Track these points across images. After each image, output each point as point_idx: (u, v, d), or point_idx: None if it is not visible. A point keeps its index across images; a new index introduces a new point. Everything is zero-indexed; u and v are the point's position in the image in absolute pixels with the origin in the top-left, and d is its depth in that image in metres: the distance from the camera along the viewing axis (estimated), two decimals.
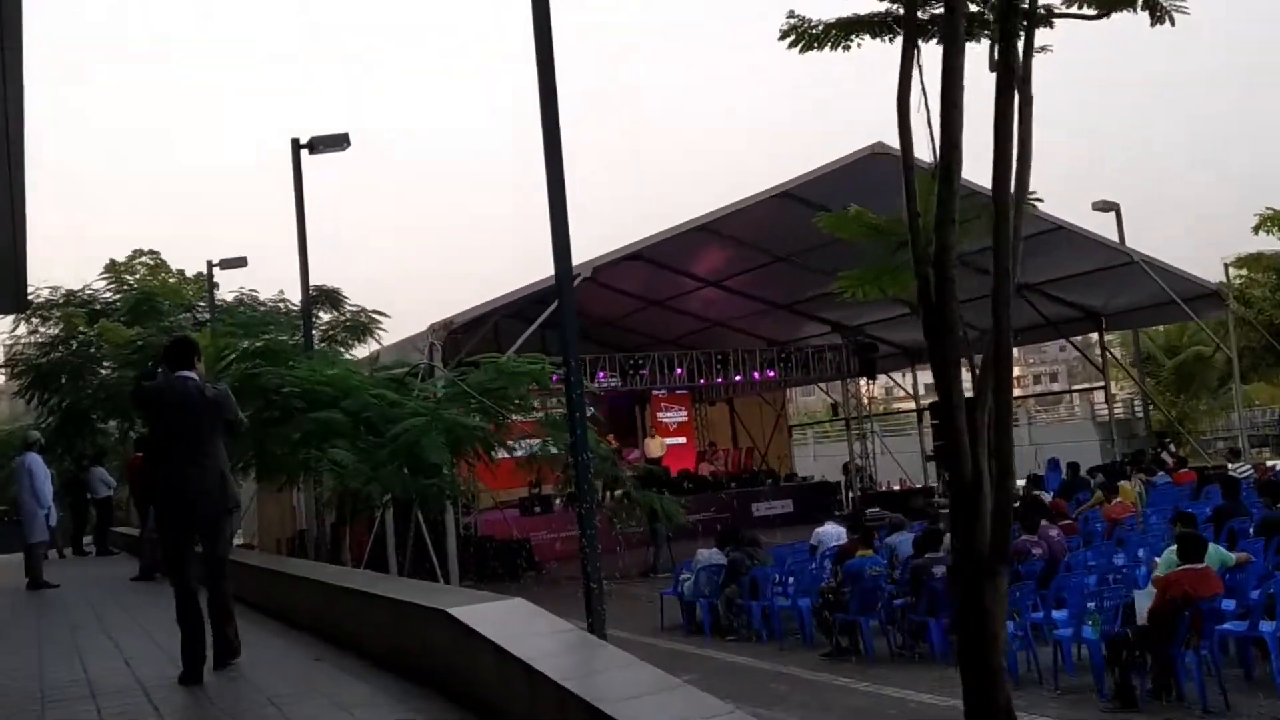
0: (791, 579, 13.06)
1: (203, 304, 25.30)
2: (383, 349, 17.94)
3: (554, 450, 10.89)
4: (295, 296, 27.82)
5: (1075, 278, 21.64)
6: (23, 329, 24.91)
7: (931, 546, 10.76)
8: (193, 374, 6.45)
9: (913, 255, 6.48)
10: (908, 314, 25.08)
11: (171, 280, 24.06)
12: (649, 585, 18.53)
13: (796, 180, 19.06)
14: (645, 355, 24.55)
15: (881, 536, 12.84)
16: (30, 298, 25.89)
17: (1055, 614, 9.96)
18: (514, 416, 10.63)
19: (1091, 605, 9.20)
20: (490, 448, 10.07)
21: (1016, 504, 16.11)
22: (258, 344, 11.52)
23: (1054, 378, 73.35)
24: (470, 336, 18.30)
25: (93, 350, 23.49)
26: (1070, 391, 41.66)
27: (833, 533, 13.87)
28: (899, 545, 12.36)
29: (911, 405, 28.92)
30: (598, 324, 26.16)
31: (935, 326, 6.69)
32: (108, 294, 25.14)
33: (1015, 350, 26.13)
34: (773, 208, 19.82)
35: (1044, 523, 11.86)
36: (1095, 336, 26.87)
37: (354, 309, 18.37)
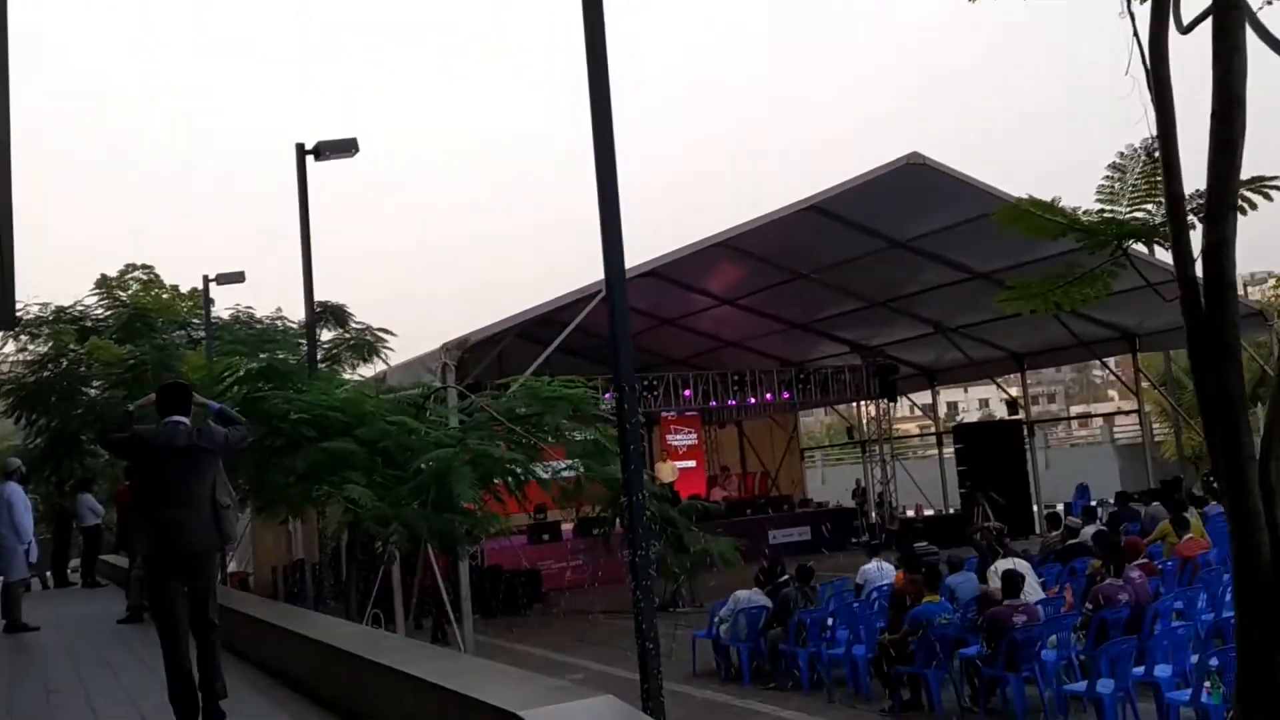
0: (832, 619, 11.87)
1: (197, 321, 24.09)
2: (390, 369, 16.72)
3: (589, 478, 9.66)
4: (294, 314, 26.70)
5: (1111, 297, 20.46)
6: (10, 347, 23.77)
7: (1012, 591, 9.56)
8: (184, 419, 6.42)
9: (1173, 253, 5.19)
10: (929, 334, 24.14)
11: (165, 296, 22.79)
12: (669, 621, 17.31)
13: (825, 194, 17.91)
14: (657, 376, 23.36)
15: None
16: (19, 314, 24.76)
17: (1159, 671, 8.77)
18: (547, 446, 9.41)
19: (1205, 662, 8.02)
20: (523, 483, 8.84)
21: (1062, 536, 15.08)
22: (260, 364, 10.28)
23: (1051, 399, 72.35)
24: (476, 358, 17.11)
25: (82, 369, 22.28)
26: (1109, 414, 39.94)
27: (878, 571, 12.66)
28: (959, 586, 11.22)
29: (912, 427, 27.88)
30: (603, 342, 24.96)
31: (1208, 348, 5.03)
32: (99, 310, 23.94)
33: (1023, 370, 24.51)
34: (797, 222, 18.67)
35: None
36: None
37: (359, 327, 17.15)
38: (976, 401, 66.09)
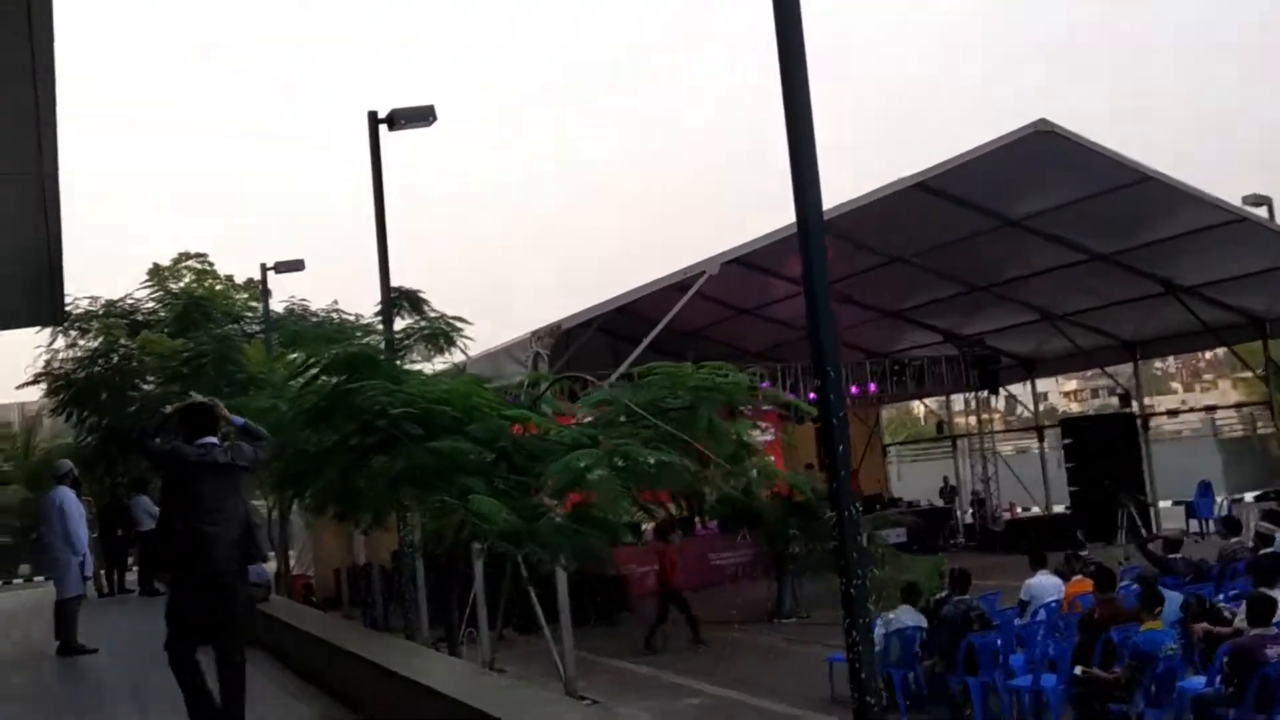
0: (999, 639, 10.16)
1: (250, 314, 22.69)
2: (470, 360, 15.13)
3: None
4: (353, 306, 25.23)
5: (1241, 279, 18.59)
6: (60, 342, 22.53)
7: (1262, 618, 7.79)
8: (214, 440, 6.37)
9: None
10: (1033, 321, 22.30)
11: (219, 287, 21.38)
12: (778, 634, 15.64)
13: (936, 169, 16.15)
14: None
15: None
16: (68, 308, 23.51)
17: None
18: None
19: None
20: (696, 491, 7.18)
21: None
22: (350, 350, 8.70)
23: (1113, 392, 69.80)
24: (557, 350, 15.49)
25: (134, 364, 20.97)
26: (1237, 405, 36.70)
27: (1049, 586, 10.92)
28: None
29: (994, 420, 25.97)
30: (674, 336, 23.33)
31: None
32: (150, 304, 22.61)
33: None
34: (900, 202, 16.92)
35: None
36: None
37: (434, 315, 15.53)
38: (1044, 393, 64.05)
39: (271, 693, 8.68)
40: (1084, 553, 12.03)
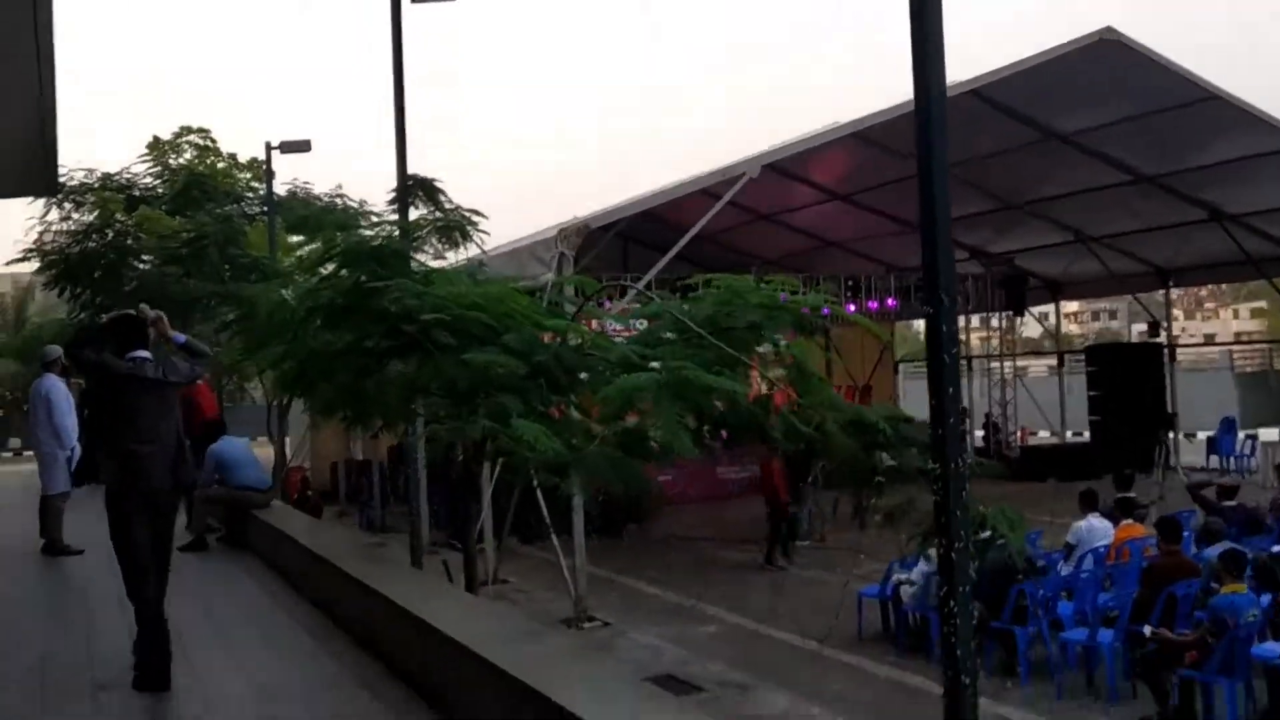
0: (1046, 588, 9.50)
1: (251, 195, 21.64)
2: (488, 257, 14.18)
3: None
4: (359, 191, 24.05)
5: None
6: (54, 214, 21.56)
7: None
8: (145, 353, 6.11)
9: None
10: (1066, 242, 21.38)
11: (221, 165, 20.25)
12: (795, 558, 15.02)
13: (991, 75, 15.07)
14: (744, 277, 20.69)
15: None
16: (62, 180, 22.46)
17: None
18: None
19: None
20: (760, 423, 6.33)
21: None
22: (373, 243, 7.79)
23: (1113, 315, 68.96)
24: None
25: (129, 241, 20.03)
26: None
27: (1099, 530, 10.22)
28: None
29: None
30: (722, 248, 22.37)
31: None
32: (148, 179, 21.55)
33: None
34: (950, 110, 15.81)
35: None
36: None
37: (449, 206, 14.50)
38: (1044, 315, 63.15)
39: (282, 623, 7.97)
40: (1132, 494, 11.30)
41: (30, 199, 22.42)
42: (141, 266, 18.51)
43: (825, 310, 7.37)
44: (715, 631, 11.31)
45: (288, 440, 18.99)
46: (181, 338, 6.57)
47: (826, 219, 22.52)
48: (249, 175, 20.62)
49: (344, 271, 7.50)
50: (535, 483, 12.10)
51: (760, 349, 7.08)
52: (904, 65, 4.82)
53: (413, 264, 8.25)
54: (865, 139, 17.34)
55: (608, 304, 12.80)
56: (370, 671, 5.84)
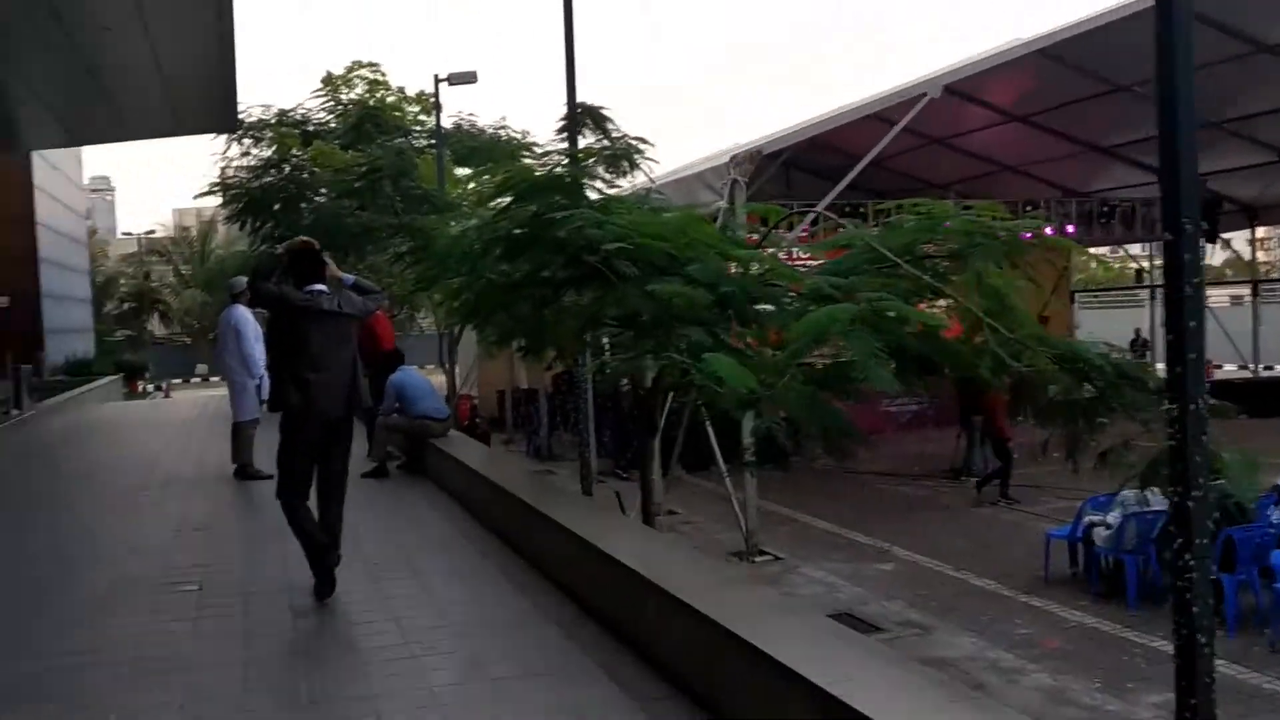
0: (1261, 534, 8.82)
1: (418, 129, 21.82)
2: (655, 185, 13.94)
3: None
4: (522, 124, 24.06)
5: None
6: (235, 150, 22.25)
7: None
8: (323, 287, 6.32)
9: None
10: (1268, 163, 19.85)
11: (391, 99, 20.45)
12: (964, 495, 14.51)
13: None
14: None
15: None
16: (241, 117, 23.06)
17: None
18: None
19: None
20: (968, 363, 5.94)
21: None
22: (553, 174, 7.62)
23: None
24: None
25: (305, 175, 20.47)
26: None
27: None
28: None
29: None
30: (855, 161, 21.57)
31: None
32: (321, 113, 21.97)
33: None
34: (1144, 22, 14.67)
35: None
36: None
37: (616, 134, 14.28)
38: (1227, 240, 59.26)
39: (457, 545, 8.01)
40: None
41: (213, 135, 23.23)
42: (318, 200, 18.86)
43: (1026, 235, 6.87)
44: (891, 569, 10.98)
45: (456, 369, 19.31)
46: (350, 278, 6.72)
47: (1001, 142, 21.41)
48: (417, 109, 20.78)
49: (521, 203, 7.37)
50: (705, 414, 12.01)
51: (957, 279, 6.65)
52: None
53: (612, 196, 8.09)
54: (1050, 56, 16.29)
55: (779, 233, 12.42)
56: (559, 607, 5.76)
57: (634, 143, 14.88)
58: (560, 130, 12.85)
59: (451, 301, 8.51)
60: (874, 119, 15.68)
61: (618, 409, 15.35)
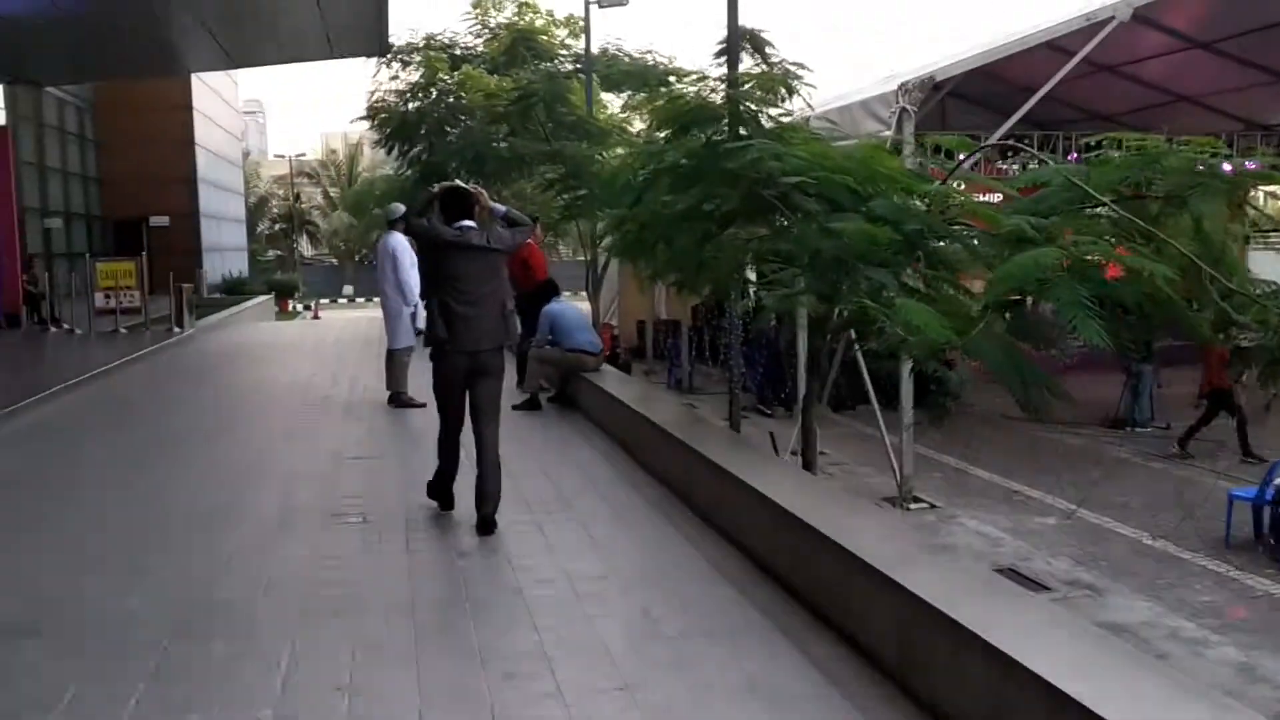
0: None
1: (564, 53, 21.46)
2: (815, 114, 13.32)
3: None
4: (669, 50, 23.48)
5: None
6: (384, 74, 22.32)
7: None
8: (472, 223, 6.36)
9: None
10: None
11: (540, 22, 20.12)
12: (1129, 446, 13.73)
13: None
14: (1082, 134, 18.63)
15: None
16: (390, 41, 23.06)
17: None
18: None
19: None
20: (1179, 311, 5.40)
21: None
22: (725, 101, 7.20)
23: None
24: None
25: (451, 99, 20.38)
26: None
27: None
28: None
29: None
30: (1017, 91, 20.41)
31: None
32: (468, 37, 21.81)
33: None
34: None
35: None
36: None
37: (775, 60, 13.62)
38: None
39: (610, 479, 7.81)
40: None
41: (363, 59, 23.33)
42: (465, 123, 18.74)
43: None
44: (1054, 523, 10.42)
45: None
46: (501, 209, 6.72)
47: (1179, 70, 19.96)
48: (565, 32, 20.43)
49: (690, 131, 7.00)
50: (858, 353, 11.54)
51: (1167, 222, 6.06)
52: None
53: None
54: None
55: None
56: (728, 560, 5.49)
57: (791, 68, 14.25)
58: (718, 54, 12.30)
59: (613, 232, 8.21)
60: (1044, 46, 14.71)
61: (769, 345, 14.95)
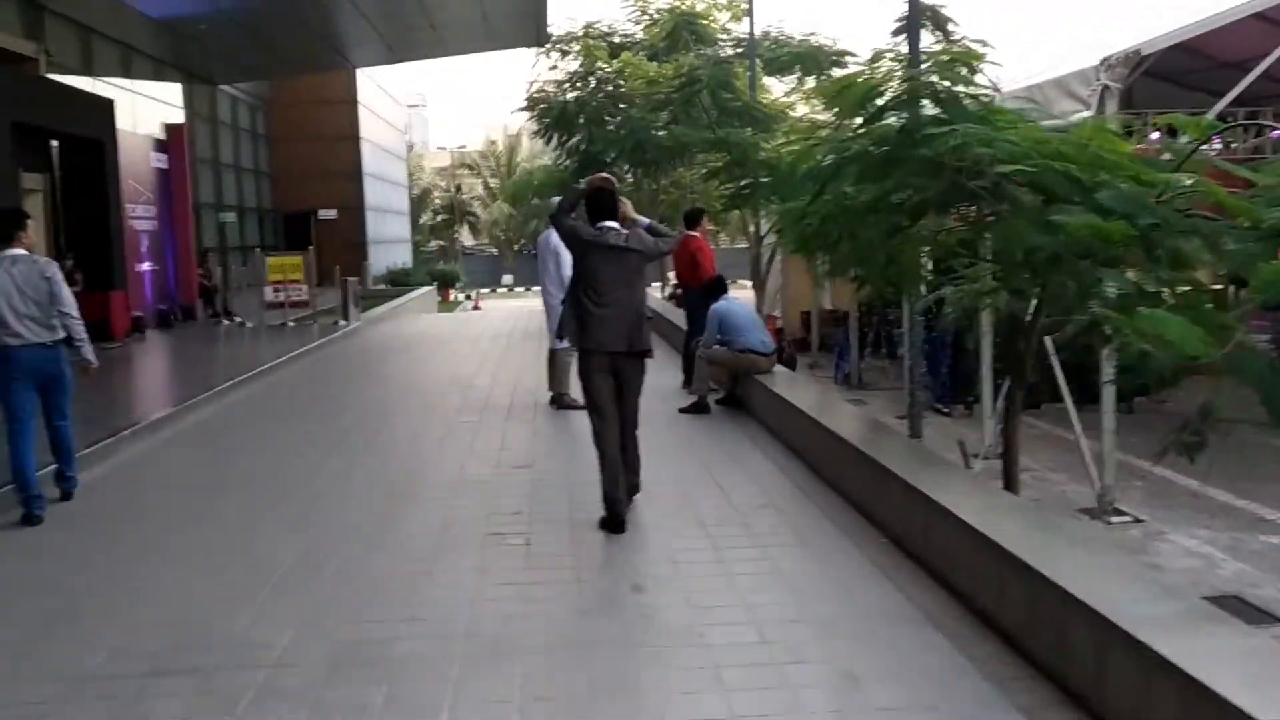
0: None
1: (724, 37, 20.79)
2: (1003, 96, 12.36)
3: None
4: (827, 32, 22.53)
5: None
6: (543, 64, 22.14)
7: None
8: (614, 224, 6.35)
9: None
10: None
11: (701, 6, 19.49)
12: None
13: None
14: None
15: None
16: (549, 31, 22.81)
17: None
18: None
19: None
20: None
21: None
22: (935, 81, 6.47)
23: None
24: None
25: (609, 88, 19.99)
26: None
27: None
28: None
29: None
30: (1215, 66, 18.75)
31: None
32: (627, 23, 21.39)
33: None
34: None
35: None
36: None
37: (957, 38, 12.75)
38: None
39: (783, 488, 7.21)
40: None
41: (522, 49, 23.19)
42: (623, 112, 18.28)
43: None
44: None
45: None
46: (645, 220, 6.69)
47: None
48: (726, 15, 19.76)
49: (883, 116, 6.31)
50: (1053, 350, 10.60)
51: None
52: None
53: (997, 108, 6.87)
54: None
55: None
56: (938, 605, 4.81)
57: (973, 46, 13.30)
58: (895, 32, 11.52)
59: (793, 226, 7.57)
60: (1253, 18, 13.34)
61: (952, 343, 14.04)
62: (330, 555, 5.82)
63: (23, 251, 6.88)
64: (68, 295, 6.93)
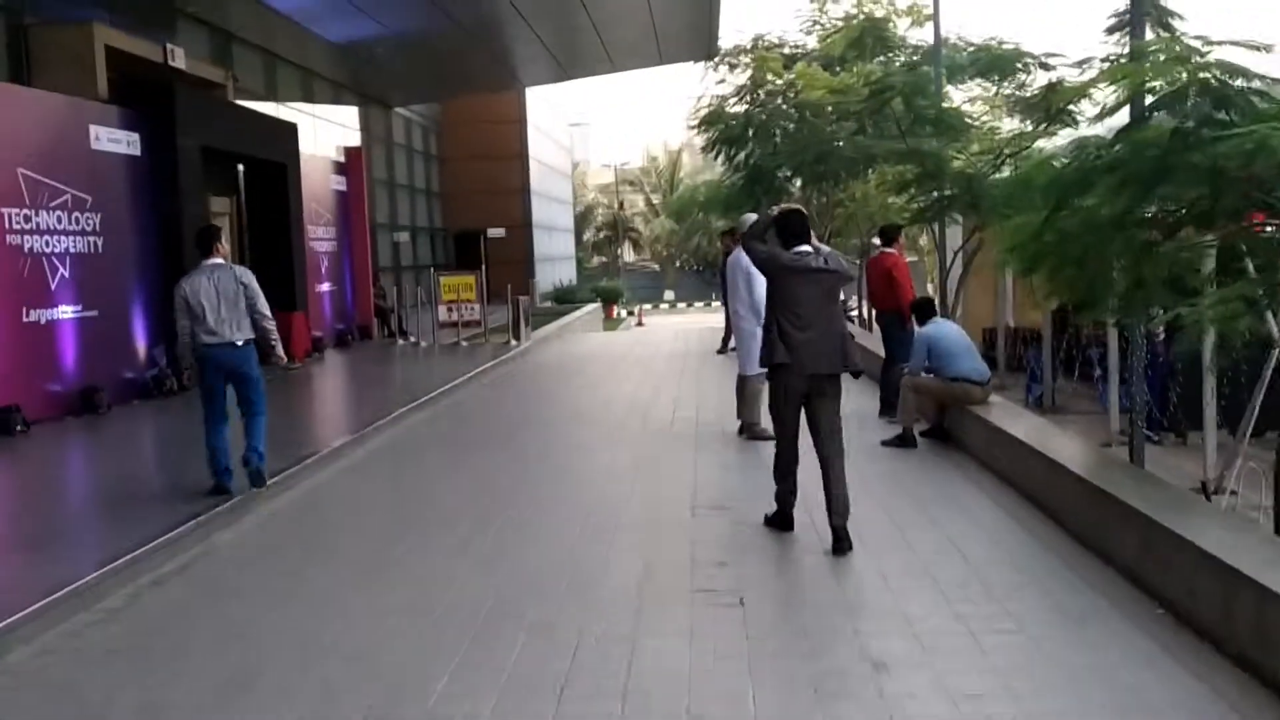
0: None
1: (912, 45, 19.75)
2: None
3: None
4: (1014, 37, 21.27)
5: None
6: (711, 78, 21.62)
7: None
8: (808, 248, 6.31)
9: None
10: None
11: (880, 13, 18.55)
12: None
13: None
14: None
15: None
16: (719, 44, 22.27)
17: None
18: None
19: None
20: None
21: None
22: (1206, 76, 5.62)
23: None
24: None
25: (779, 101, 19.29)
26: None
27: None
28: None
29: None
30: None
31: None
32: (799, 34, 20.65)
33: None
34: None
35: None
36: None
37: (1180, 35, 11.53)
38: None
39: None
40: None
41: (688, 64, 22.72)
42: (809, 120, 17.46)
43: None
44: None
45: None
46: (826, 249, 6.61)
47: None
48: (908, 21, 18.76)
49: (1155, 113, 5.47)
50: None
51: None
52: None
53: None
54: None
55: None
56: (1254, 704, 3.96)
57: (1194, 44, 12.09)
58: (1111, 29, 10.45)
59: (1026, 244, 6.77)
60: None
61: (1164, 365, 12.83)
62: (513, 623, 5.08)
63: (221, 261, 7.63)
64: (263, 299, 7.64)
